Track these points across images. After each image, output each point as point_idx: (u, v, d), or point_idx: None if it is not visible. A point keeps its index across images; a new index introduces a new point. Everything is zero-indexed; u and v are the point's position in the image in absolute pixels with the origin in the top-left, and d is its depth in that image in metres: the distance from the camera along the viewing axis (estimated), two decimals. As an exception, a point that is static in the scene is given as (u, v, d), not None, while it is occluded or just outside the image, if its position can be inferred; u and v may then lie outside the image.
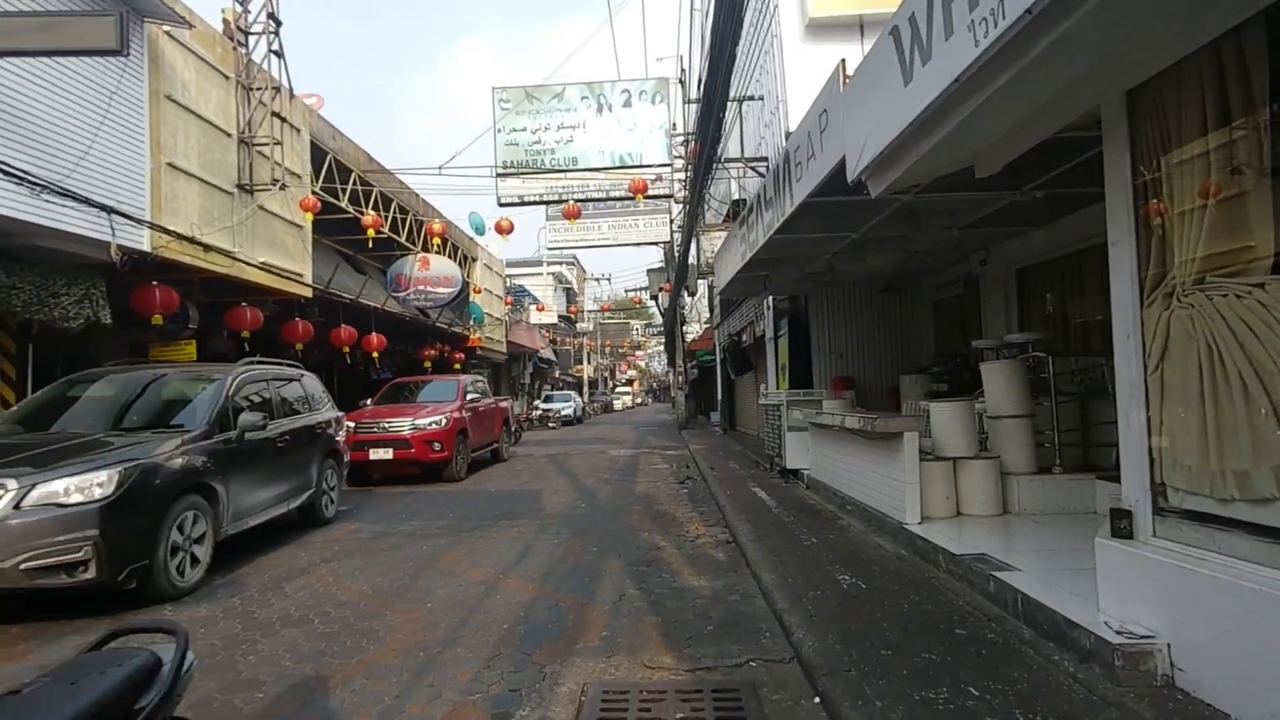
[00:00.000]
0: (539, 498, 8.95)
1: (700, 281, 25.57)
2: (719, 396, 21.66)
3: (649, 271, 26.14)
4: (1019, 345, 6.24)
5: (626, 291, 35.25)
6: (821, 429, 7.56)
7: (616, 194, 12.36)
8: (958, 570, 4.20)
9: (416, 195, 17.81)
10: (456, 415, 11.06)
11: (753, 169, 11.79)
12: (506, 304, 25.60)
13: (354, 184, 13.77)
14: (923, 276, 10.10)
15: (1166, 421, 2.99)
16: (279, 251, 11.16)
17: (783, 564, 4.82)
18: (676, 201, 22.67)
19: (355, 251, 18.01)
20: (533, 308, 31.51)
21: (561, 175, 11.92)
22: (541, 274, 50.97)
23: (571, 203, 10.95)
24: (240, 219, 9.92)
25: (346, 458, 7.99)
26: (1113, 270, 3.27)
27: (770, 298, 11.52)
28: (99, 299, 7.94)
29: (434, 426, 10.43)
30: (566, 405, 30.43)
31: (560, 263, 53.69)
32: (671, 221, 22.64)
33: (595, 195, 12.52)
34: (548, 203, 12.39)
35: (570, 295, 51.71)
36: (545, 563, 5.42)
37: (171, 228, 8.43)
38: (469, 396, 11.87)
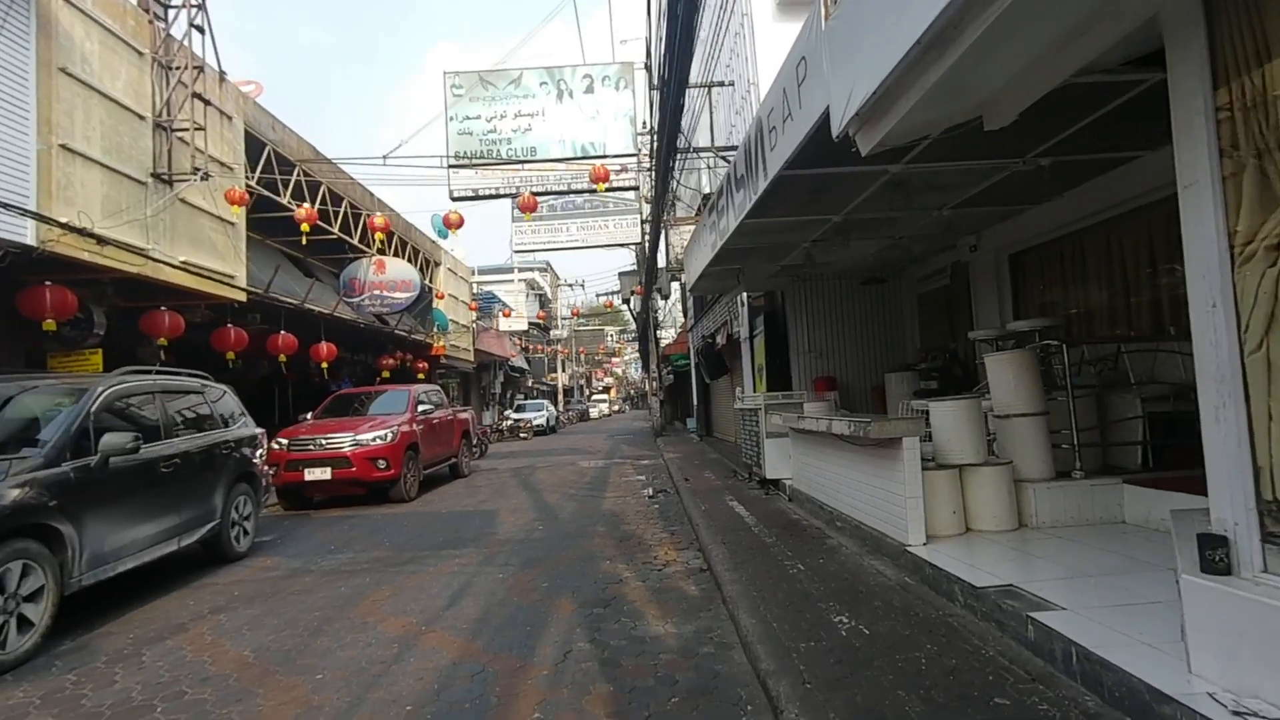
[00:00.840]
0: (493, 519, 8.02)
1: (673, 284, 24.85)
2: (694, 402, 20.88)
3: (621, 274, 25.32)
4: (1024, 334, 5.50)
5: (598, 296, 34.33)
6: (804, 435, 6.77)
7: (579, 186, 11.52)
8: (981, 607, 3.39)
9: (370, 194, 16.81)
10: (405, 429, 10.06)
11: (723, 159, 11.04)
12: (471, 309, 24.52)
13: (298, 178, 12.73)
14: (906, 267, 9.41)
15: (1277, 416, 2.21)
16: (205, 250, 10.11)
17: (765, 601, 3.98)
18: (646, 201, 21.97)
19: (305, 254, 16.92)
20: (501, 314, 30.41)
21: (519, 167, 11.04)
22: (513, 281, 50.00)
23: (527, 194, 10.10)
24: (154, 212, 8.86)
25: (265, 482, 6.98)
26: (1186, 223, 2.50)
27: (744, 294, 10.76)
28: (-30, 302, 6.86)
29: (378, 442, 9.43)
30: (539, 414, 29.40)
31: (532, 269, 52.76)
32: (643, 223, 21.88)
33: (556, 188, 11.65)
34: (504, 196, 11.50)
35: (543, 302, 50.73)
36: (482, 606, 4.51)
37: (63, 219, 7.36)
38: (420, 408, 10.89)
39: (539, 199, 22.39)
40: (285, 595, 5.02)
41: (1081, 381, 5.07)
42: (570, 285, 49.84)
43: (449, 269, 23.58)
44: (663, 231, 11.35)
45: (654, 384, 24.26)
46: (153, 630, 4.27)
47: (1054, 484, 4.66)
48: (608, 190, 10.78)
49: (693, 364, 19.98)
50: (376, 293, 16.86)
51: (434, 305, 21.93)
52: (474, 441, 14.69)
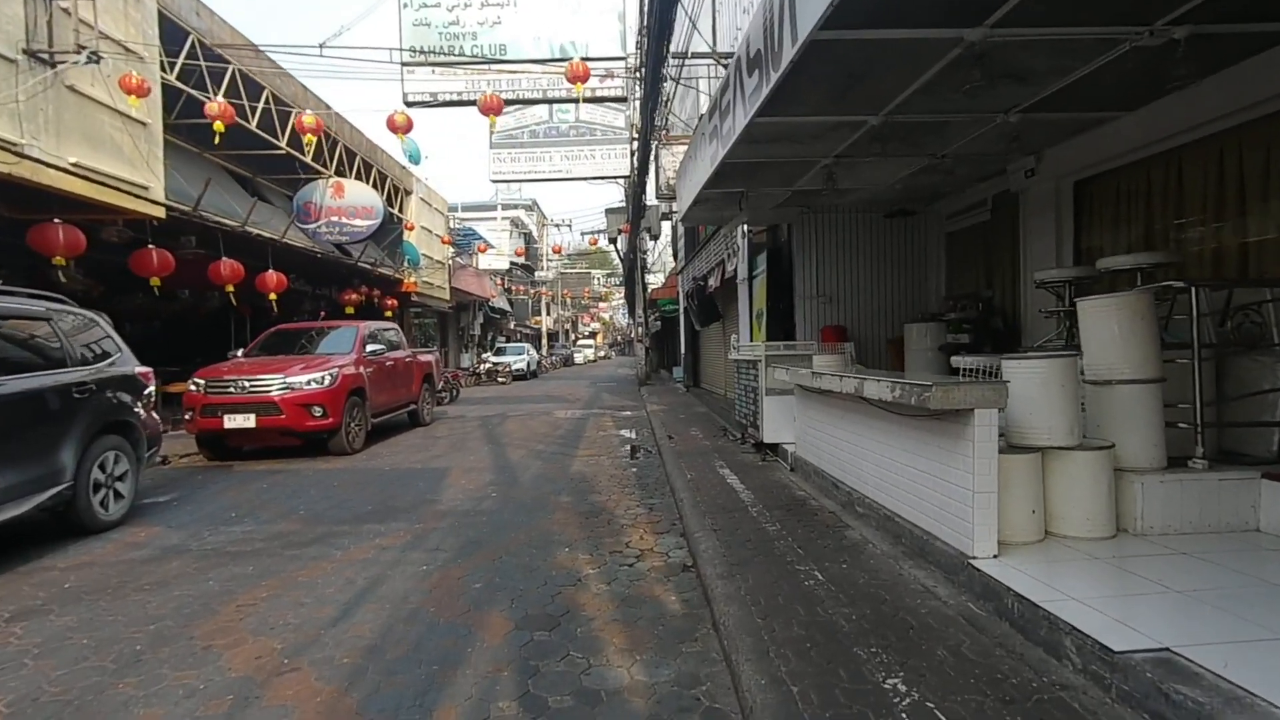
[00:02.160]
0: (441, 481, 6.78)
1: (664, 224, 23.20)
2: (682, 350, 19.62)
3: (608, 212, 23.59)
4: (1125, 273, 4.20)
5: (583, 235, 32.58)
6: (814, 395, 5.51)
7: (556, 95, 9.84)
8: (1126, 685, 2.18)
9: (326, 105, 14.89)
10: (349, 371, 8.71)
11: (726, 67, 9.42)
12: (444, 243, 22.82)
13: (233, 77, 10.94)
14: (939, 199, 8.00)
15: None
16: (107, 153, 8.46)
17: (775, 637, 2.77)
18: (637, 132, 20.09)
19: (254, 173, 15.21)
20: (478, 249, 28.64)
21: (485, 69, 9.34)
22: (496, 218, 47.89)
23: (490, 94, 8.43)
24: (27, 96, 7.19)
25: (149, 432, 5.63)
26: None
27: (744, 227, 9.34)
28: None
29: (314, 386, 8.08)
30: (519, 359, 28.09)
31: (517, 206, 50.54)
32: (632, 154, 20.09)
33: (529, 96, 9.98)
34: (466, 104, 9.81)
35: (529, 241, 48.76)
36: (382, 623, 3.28)
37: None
38: (370, 349, 9.50)
39: (523, 123, 20.47)
40: (131, 591, 3.76)
41: (1202, 340, 3.79)
42: (557, 225, 47.84)
43: (422, 199, 21.76)
44: (653, 152, 9.79)
45: (640, 330, 22.91)
46: (-101, 654, 3.00)
47: (1168, 476, 3.44)
48: (589, 100, 9.14)
49: (681, 309, 18.61)
50: (334, 219, 15.27)
51: (404, 237, 20.28)
52: (438, 387, 13.38)
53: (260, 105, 11.77)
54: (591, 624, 3.23)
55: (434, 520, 5.25)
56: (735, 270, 9.89)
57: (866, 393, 3.96)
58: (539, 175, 20.07)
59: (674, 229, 22.48)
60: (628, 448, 8.80)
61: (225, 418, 7.81)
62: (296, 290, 17.28)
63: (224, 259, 11.40)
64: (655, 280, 30.58)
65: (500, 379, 25.44)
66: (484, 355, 28.93)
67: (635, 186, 13.45)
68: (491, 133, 20.25)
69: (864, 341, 8.51)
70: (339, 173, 15.41)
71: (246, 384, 7.92)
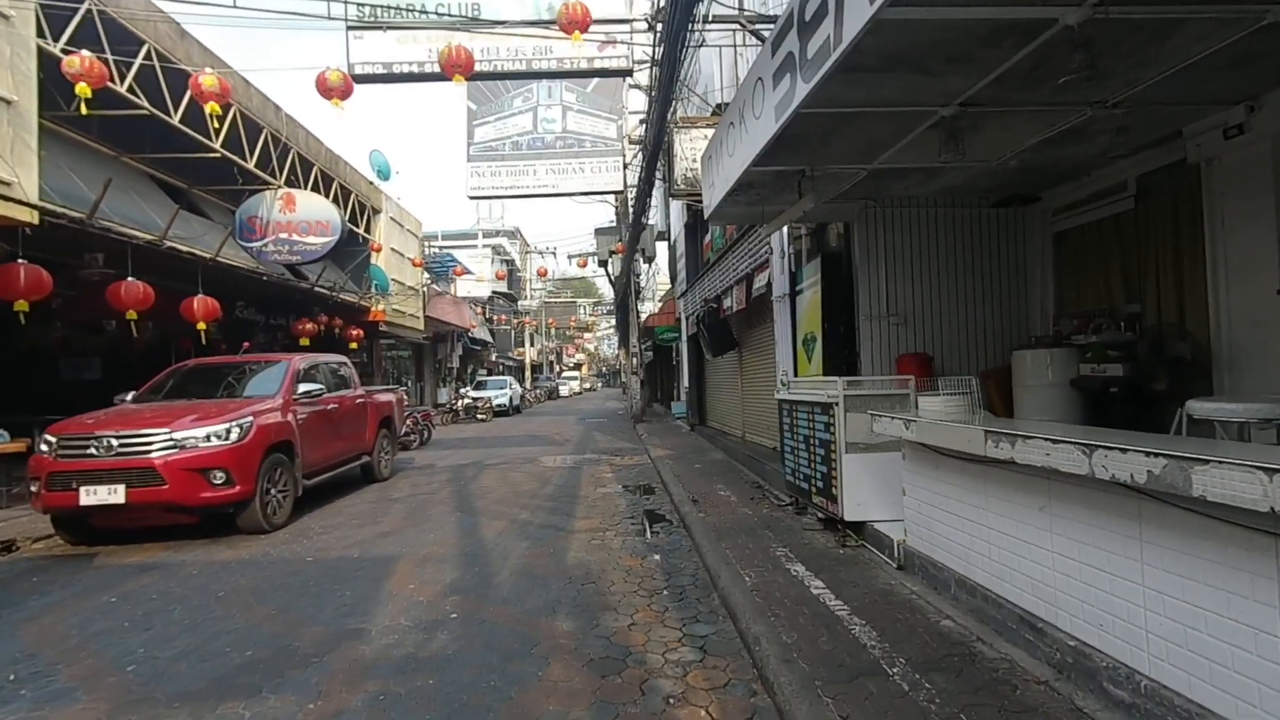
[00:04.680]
0: (379, 585, 4.60)
1: (659, 244, 21.37)
2: (684, 383, 17.55)
3: (597, 232, 21.70)
4: None
5: (570, 258, 30.70)
6: (950, 458, 3.48)
7: (542, 66, 7.89)
8: None
9: (276, 108, 12.88)
10: (270, 420, 6.52)
11: (757, 35, 7.58)
12: (416, 265, 20.73)
13: (148, 55, 9.03)
14: (1056, 184, 6.10)
15: None
16: (-57, 135, 6.35)
17: None
18: (631, 142, 18.34)
19: (191, 183, 13.07)
20: (454, 273, 26.54)
21: (453, 29, 7.40)
22: (478, 246, 46.11)
23: (455, 45, 6.35)
24: None
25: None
26: None
27: (782, 232, 7.37)
28: None
29: (213, 442, 5.87)
30: (501, 393, 25.85)
31: (499, 233, 48.88)
32: (625, 167, 18.31)
33: (511, 68, 8.02)
34: (431, 78, 7.80)
35: (511, 267, 46.90)
36: None
37: None
38: (303, 389, 7.32)
39: (504, 133, 18.65)
40: None
41: None
42: (541, 253, 46.06)
43: (393, 218, 19.71)
44: (666, 138, 7.85)
45: (634, 360, 20.86)
46: None
47: None
48: (586, 73, 7.22)
49: (685, 336, 16.60)
50: (283, 236, 13.12)
51: (372, 260, 18.20)
52: (401, 431, 11.16)
53: (185, 98, 9.76)
54: None
55: (346, 688, 3.08)
56: (768, 284, 7.90)
57: (1208, 490, 1.91)
58: (522, 190, 18.16)
59: (671, 249, 20.64)
60: (639, 516, 6.67)
61: (82, 491, 5.56)
62: (244, 320, 15.07)
63: (128, 280, 9.19)
64: (645, 308, 28.66)
65: (480, 415, 23.18)
66: (462, 390, 26.64)
67: (639, 194, 11.50)
68: (469, 142, 18.41)
69: (947, 374, 6.51)
70: (291, 185, 13.36)
71: (114, 442, 5.68)
